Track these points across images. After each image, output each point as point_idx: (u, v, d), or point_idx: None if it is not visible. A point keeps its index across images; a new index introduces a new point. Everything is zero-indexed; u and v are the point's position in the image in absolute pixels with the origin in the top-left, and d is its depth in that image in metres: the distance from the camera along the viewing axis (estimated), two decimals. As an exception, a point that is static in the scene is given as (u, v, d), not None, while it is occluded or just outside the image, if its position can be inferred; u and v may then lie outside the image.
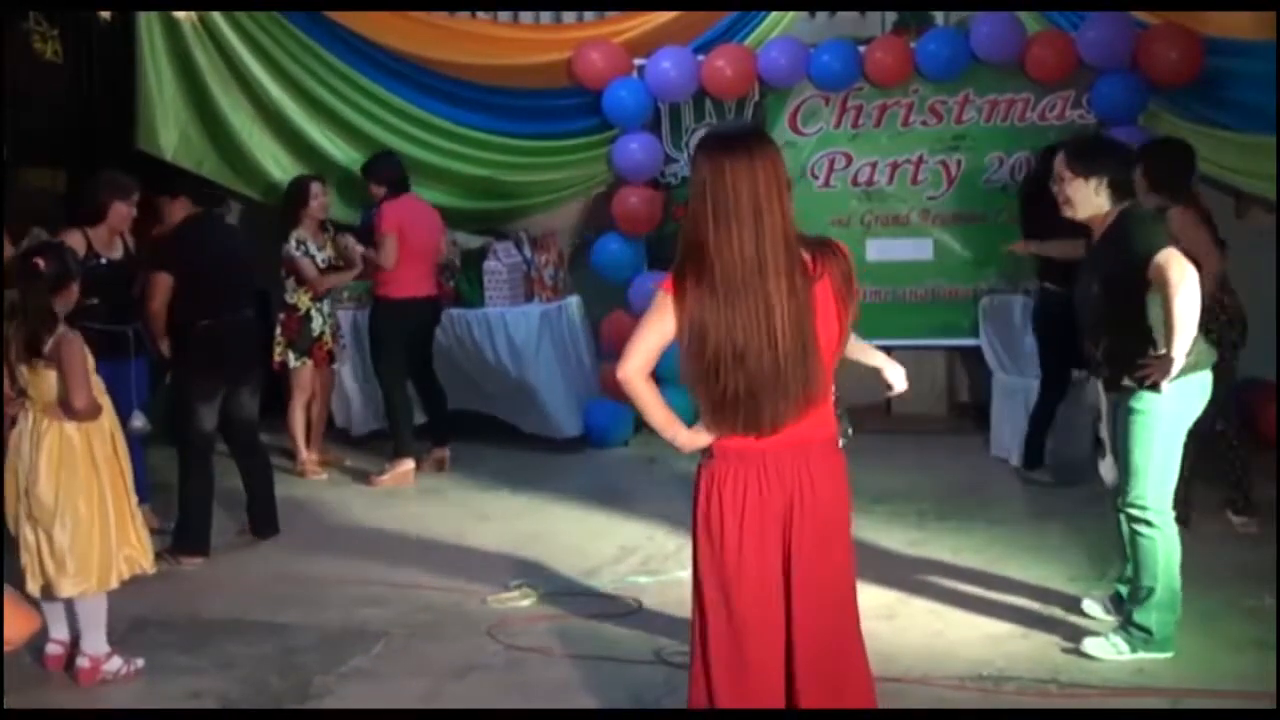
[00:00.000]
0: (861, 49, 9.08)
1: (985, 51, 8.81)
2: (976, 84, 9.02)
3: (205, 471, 6.90)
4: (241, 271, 7.13)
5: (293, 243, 8.30)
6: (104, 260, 6.91)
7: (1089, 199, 5.14)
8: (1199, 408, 5.11)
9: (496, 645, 5.54)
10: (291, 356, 8.42)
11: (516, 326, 9.00)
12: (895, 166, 9.22)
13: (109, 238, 6.96)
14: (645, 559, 6.65)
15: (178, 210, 7.05)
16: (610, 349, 8.92)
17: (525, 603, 6.07)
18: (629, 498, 7.83)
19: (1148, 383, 4.93)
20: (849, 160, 9.31)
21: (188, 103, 9.49)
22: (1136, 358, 4.96)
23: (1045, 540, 5.70)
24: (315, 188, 8.49)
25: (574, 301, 9.50)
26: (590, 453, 9.05)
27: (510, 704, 4.93)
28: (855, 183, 9.29)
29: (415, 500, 8.03)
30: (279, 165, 9.44)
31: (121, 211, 6.93)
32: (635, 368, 3.57)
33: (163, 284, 6.77)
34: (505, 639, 5.59)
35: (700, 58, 9.24)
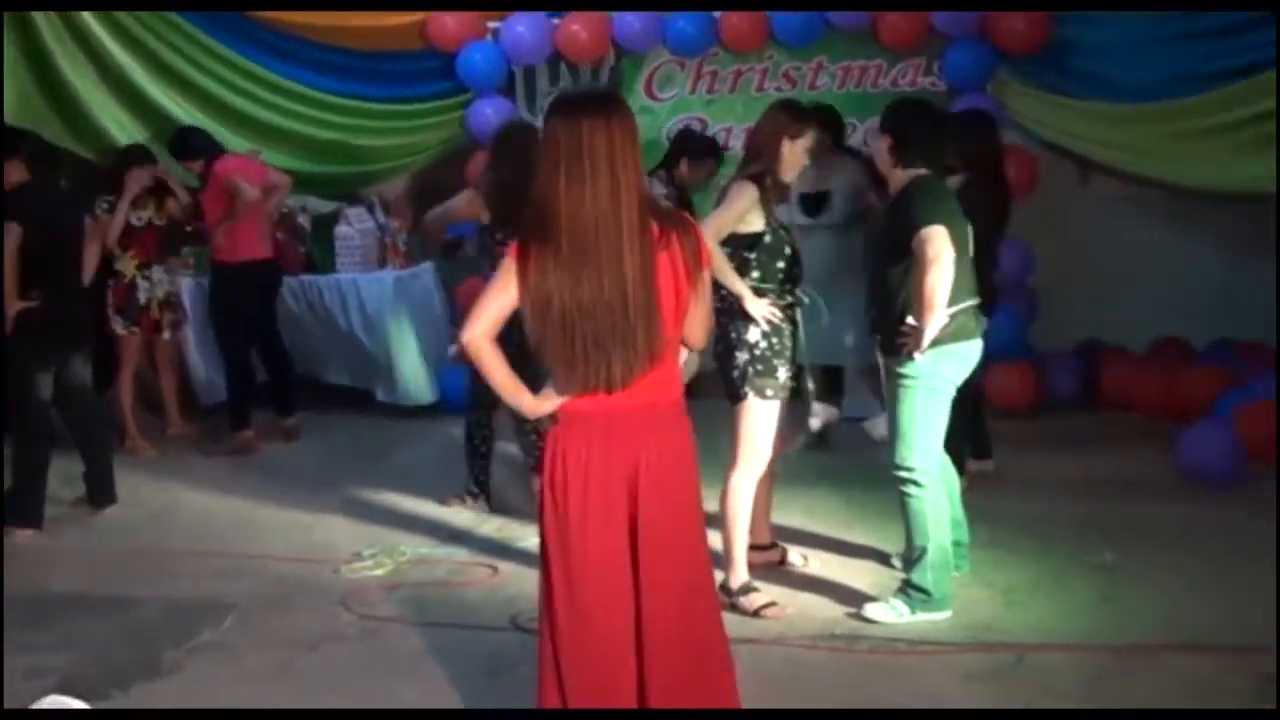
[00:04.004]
0: (716, 15, 9.08)
1: (839, 19, 8.87)
2: (830, 51, 9.09)
3: (40, 442, 6.74)
4: (75, 239, 7.00)
5: (98, 202, 8.16)
6: None
7: (882, 155, 5.27)
8: (962, 375, 5.24)
9: (350, 615, 5.48)
10: (119, 324, 8.24)
11: (370, 293, 8.90)
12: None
13: None
14: (501, 525, 6.63)
15: (12, 172, 6.82)
16: (465, 316, 8.84)
17: (379, 572, 6.02)
18: (485, 464, 7.78)
19: (904, 352, 5.06)
20: (704, 126, 9.32)
21: (27, 64, 9.17)
22: (900, 325, 5.09)
23: (893, 504, 5.76)
24: (141, 169, 8.33)
25: (428, 268, 9.40)
26: (445, 419, 8.97)
27: (365, 675, 4.89)
28: (711, 148, 9.31)
29: (264, 470, 7.90)
30: (120, 126, 9.17)
31: None
32: (479, 332, 3.55)
33: (12, 232, 6.55)
34: (359, 609, 5.54)
35: (555, 21, 9.17)
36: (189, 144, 8.41)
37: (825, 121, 7.52)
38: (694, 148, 8.17)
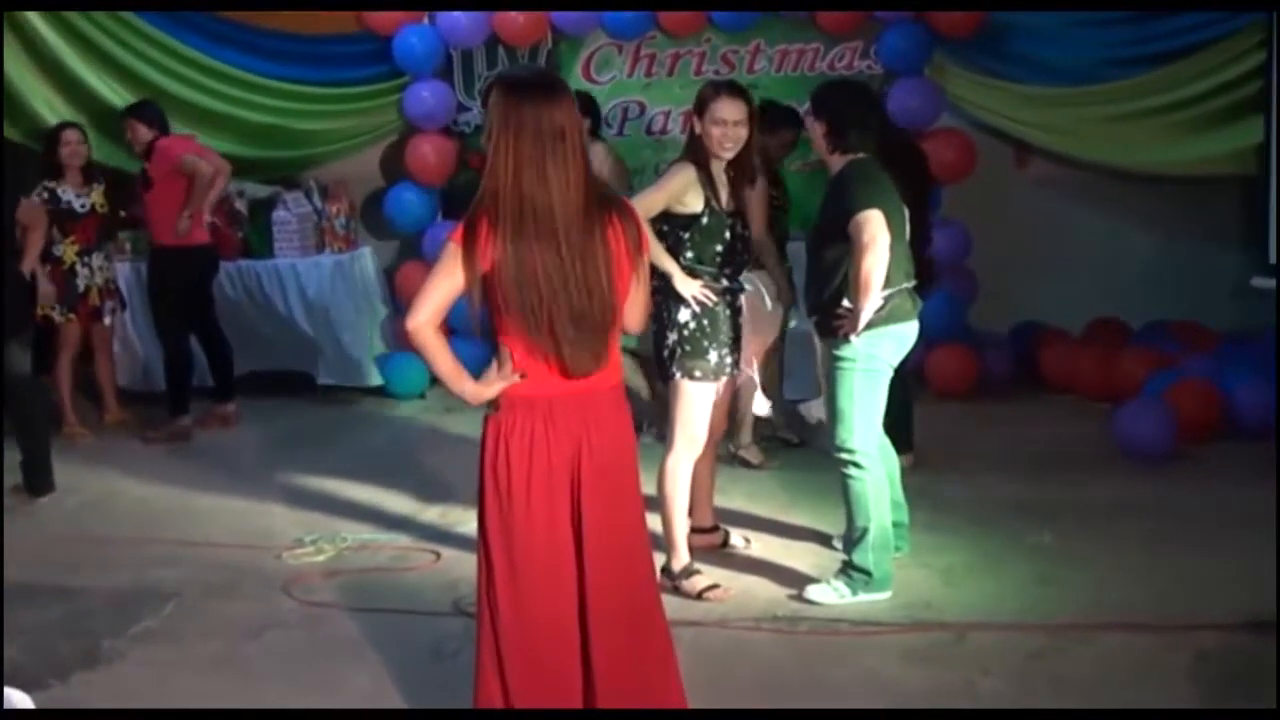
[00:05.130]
0: None
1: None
2: (768, 34, 9.12)
3: None
4: (7, 224, 6.89)
5: (38, 189, 8.05)
6: None
7: (818, 140, 5.29)
8: (899, 356, 5.29)
9: (292, 602, 5.46)
10: (56, 312, 8.14)
11: (308, 278, 8.86)
12: (688, 115, 9.25)
13: None
14: (443, 510, 6.61)
15: None
16: (404, 300, 8.82)
17: (321, 558, 5.99)
18: (426, 450, 7.77)
19: (840, 334, 5.11)
20: (642, 109, 9.34)
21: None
22: (835, 307, 5.14)
23: (833, 486, 5.79)
24: (68, 134, 8.24)
25: (366, 252, 9.34)
26: (387, 405, 8.95)
27: (307, 661, 4.88)
28: (649, 131, 9.33)
29: (205, 457, 7.84)
30: (52, 110, 9.05)
31: None
32: (424, 319, 3.50)
33: None
34: (301, 595, 5.51)
35: (492, 4, 9.14)
36: (147, 112, 8.26)
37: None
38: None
